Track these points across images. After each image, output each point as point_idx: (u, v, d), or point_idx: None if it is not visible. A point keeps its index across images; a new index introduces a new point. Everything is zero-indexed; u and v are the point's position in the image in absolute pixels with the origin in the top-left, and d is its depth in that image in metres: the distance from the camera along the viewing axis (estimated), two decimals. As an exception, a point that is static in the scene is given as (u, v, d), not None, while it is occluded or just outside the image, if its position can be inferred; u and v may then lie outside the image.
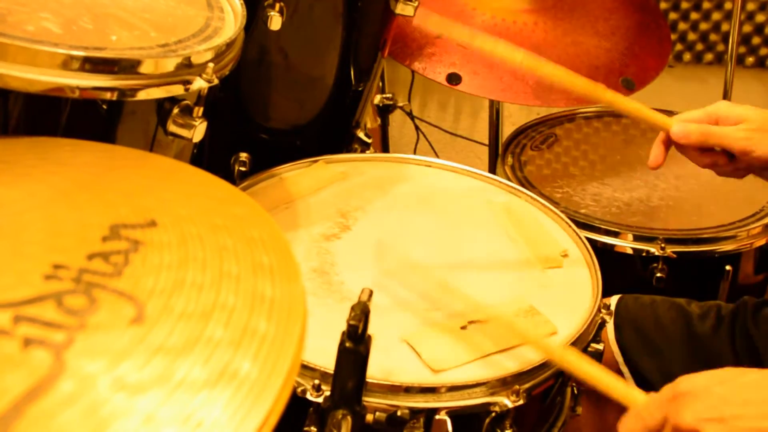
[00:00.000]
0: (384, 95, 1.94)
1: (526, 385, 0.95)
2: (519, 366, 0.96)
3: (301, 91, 1.41)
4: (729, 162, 1.20)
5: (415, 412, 0.91)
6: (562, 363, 0.96)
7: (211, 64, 0.95)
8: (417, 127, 2.41)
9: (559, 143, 1.78)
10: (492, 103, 2.04)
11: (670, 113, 1.89)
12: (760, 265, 1.55)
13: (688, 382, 0.86)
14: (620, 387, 0.91)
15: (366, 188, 1.30)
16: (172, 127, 0.96)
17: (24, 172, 0.77)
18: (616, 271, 1.44)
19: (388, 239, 1.19)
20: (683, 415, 0.82)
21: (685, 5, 2.49)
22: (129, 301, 0.61)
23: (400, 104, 2.04)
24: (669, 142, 1.22)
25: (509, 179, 1.56)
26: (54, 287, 0.60)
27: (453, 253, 1.17)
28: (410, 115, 2.34)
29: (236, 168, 1.34)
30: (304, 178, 1.29)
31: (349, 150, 1.50)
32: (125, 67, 0.88)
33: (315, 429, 0.91)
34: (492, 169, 1.85)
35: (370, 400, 0.91)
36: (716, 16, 2.49)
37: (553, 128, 1.83)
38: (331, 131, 1.50)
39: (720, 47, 2.51)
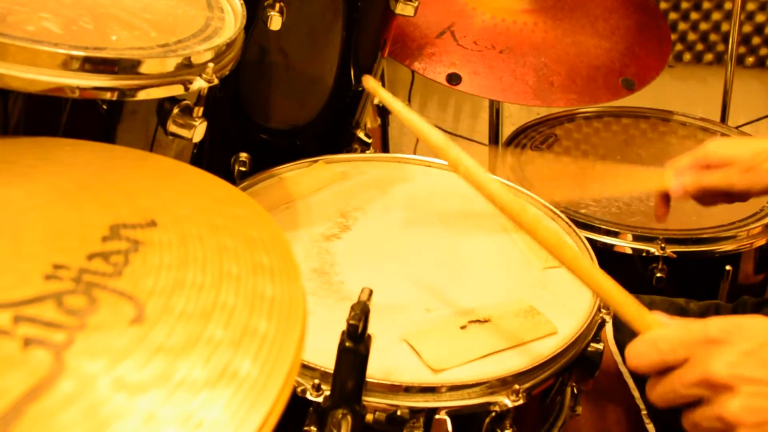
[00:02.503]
0: (384, 96, 1.94)
1: (526, 385, 0.95)
2: (519, 366, 0.96)
3: (301, 91, 1.41)
4: (731, 199, 1.23)
5: (414, 412, 0.91)
6: (572, 266, 0.91)
7: (211, 64, 0.95)
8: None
9: (559, 143, 1.78)
10: (492, 103, 2.04)
11: (669, 113, 1.91)
12: (760, 265, 1.55)
13: (725, 325, 0.78)
14: (633, 306, 0.84)
15: (366, 188, 1.30)
16: (172, 127, 0.96)
17: (24, 172, 0.77)
18: (616, 271, 1.43)
19: (388, 239, 1.19)
20: (715, 364, 0.75)
21: (685, 5, 2.49)
22: (129, 301, 0.61)
23: (400, 104, 2.04)
24: (668, 197, 1.27)
25: (509, 179, 1.56)
26: (54, 287, 0.60)
27: (453, 253, 1.17)
28: (410, 115, 2.34)
29: (236, 168, 1.34)
30: (304, 178, 1.29)
31: (349, 150, 1.50)
32: (125, 67, 0.88)
33: (315, 429, 0.91)
34: (492, 169, 1.85)
35: (370, 399, 0.91)
36: (716, 16, 2.49)
37: (553, 128, 1.83)
38: (331, 131, 1.50)
39: (720, 47, 2.51)
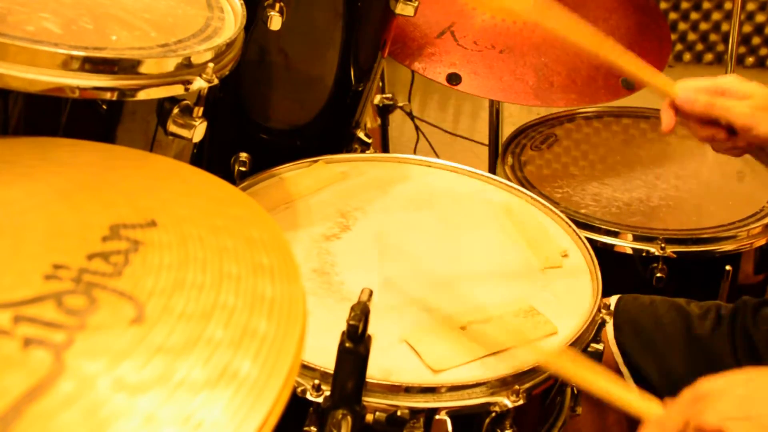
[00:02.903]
0: (384, 95, 1.94)
1: (526, 385, 0.95)
2: (519, 366, 0.96)
3: (301, 91, 1.41)
4: (728, 138, 1.18)
5: (415, 412, 0.91)
6: (569, 376, 0.94)
7: (211, 64, 0.95)
8: (417, 127, 2.41)
9: (559, 143, 1.78)
10: (492, 103, 2.04)
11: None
12: (760, 265, 1.55)
13: (708, 384, 0.85)
14: (633, 397, 0.90)
15: (366, 188, 1.30)
16: (172, 127, 0.96)
17: (24, 172, 0.77)
18: (616, 271, 1.44)
19: (388, 239, 1.19)
20: (706, 415, 0.81)
21: (685, 5, 2.49)
22: (129, 301, 0.61)
23: (400, 104, 2.04)
24: (676, 107, 1.20)
25: (509, 179, 1.56)
26: (54, 287, 0.60)
27: (453, 253, 1.17)
28: (410, 115, 2.34)
29: (236, 168, 1.34)
30: (304, 178, 1.29)
31: (349, 150, 1.50)
32: (125, 67, 0.88)
33: (315, 429, 0.91)
34: (492, 169, 1.86)
35: (370, 400, 0.91)
36: (716, 16, 2.49)
37: (553, 128, 1.83)
38: (331, 131, 1.50)
39: (720, 47, 2.51)
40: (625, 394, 0.90)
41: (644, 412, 0.88)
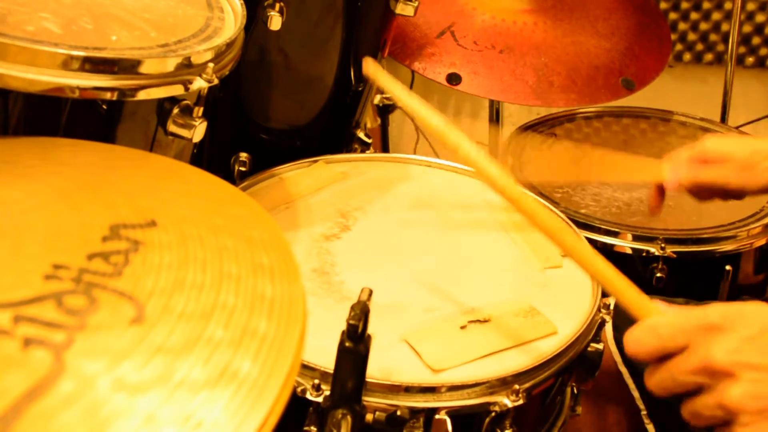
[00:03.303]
0: (384, 95, 1.94)
1: (526, 385, 0.95)
2: (519, 366, 0.96)
3: (301, 91, 1.41)
4: (728, 196, 1.23)
5: (414, 412, 0.91)
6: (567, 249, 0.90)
7: (211, 64, 0.95)
8: (417, 127, 2.41)
9: (559, 143, 1.78)
10: (492, 103, 2.04)
11: (669, 113, 1.91)
12: (760, 265, 1.55)
13: (725, 312, 0.77)
14: (633, 293, 0.83)
15: (366, 188, 1.30)
16: (172, 127, 0.96)
17: (24, 172, 0.77)
18: (616, 271, 1.44)
19: (388, 239, 1.19)
20: (715, 351, 0.74)
21: (685, 5, 2.49)
22: (129, 301, 0.61)
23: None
24: (663, 190, 1.28)
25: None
26: (54, 287, 0.60)
27: (453, 253, 1.17)
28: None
29: (236, 168, 1.34)
30: (304, 178, 1.29)
31: (349, 150, 1.50)
32: (125, 67, 0.88)
33: (315, 429, 0.91)
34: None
35: (369, 399, 0.91)
36: (716, 16, 2.49)
37: (553, 128, 1.83)
38: (331, 131, 1.50)
39: (720, 47, 2.51)
40: (626, 285, 0.85)
41: (641, 310, 0.82)
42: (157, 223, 0.70)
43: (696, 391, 0.78)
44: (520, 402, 0.93)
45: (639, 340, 0.81)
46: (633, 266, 1.47)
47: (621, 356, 1.29)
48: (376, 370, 0.92)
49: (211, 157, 1.29)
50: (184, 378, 0.55)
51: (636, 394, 1.27)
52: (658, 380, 0.81)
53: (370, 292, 0.81)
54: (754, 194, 1.20)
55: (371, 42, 1.45)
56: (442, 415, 0.92)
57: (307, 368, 0.92)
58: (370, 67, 1.14)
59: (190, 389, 0.54)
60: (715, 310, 0.78)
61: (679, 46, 2.53)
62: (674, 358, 0.79)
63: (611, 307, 1.09)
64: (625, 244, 1.48)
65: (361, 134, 1.51)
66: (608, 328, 1.29)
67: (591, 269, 0.89)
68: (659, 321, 0.81)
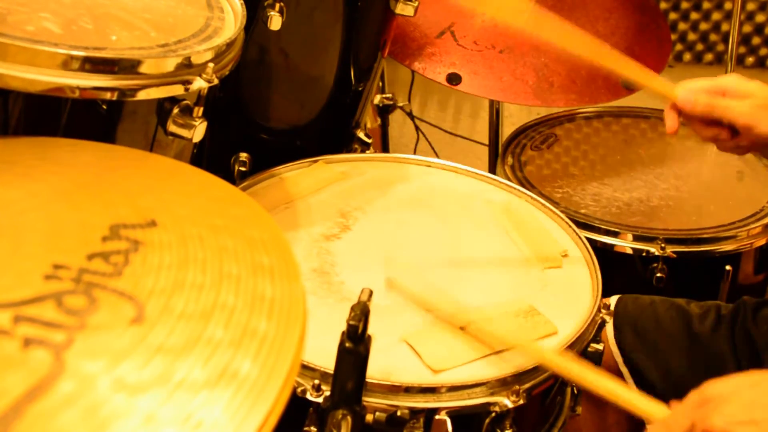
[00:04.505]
0: (384, 95, 1.94)
1: (526, 385, 0.95)
2: (519, 366, 0.96)
3: (301, 91, 1.41)
4: (731, 137, 1.18)
5: (415, 412, 0.91)
6: (572, 377, 0.95)
7: (211, 64, 0.95)
8: (417, 127, 2.41)
9: (559, 143, 1.78)
10: (492, 103, 2.04)
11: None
12: (760, 265, 1.55)
13: (715, 386, 0.85)
14: (639, 400, 0.90)
15: (366, 188, 1.30)
16: (172, 127, 0.96)
17: (24, 172, 0.77)
18: (616, 271, 1.44)
19: (388, 239, 1.19)
20: (713, 418, 0.82)
21: (685, 5, 2.49)
22: (129, 301, 0.61)
23: (400, 104, 2.04)
24: (678, 109, 1.21)
25: (509, 179, 1.56)
26: (54, 287, 0.60)
27: (453, 253, 1.17)
28: (410, 115, 2.34)
29: (236, 168, 1.34)
30: (304, 178, 1.29)
31: (349, 150, 1.50)
32: (125, 67, 0.88)
33: (315, 429, 0.91)
34: (492, 169, 1.86)
35: (370, 400, 0.91)
36: (716, 16, 2.49)
37: (553, 128, 1.83)
38: (331, 131, 1.50)
39: (720, 47, 2.51)
40: (629, 394, 0.91)
41: (649, 414, 0.89)
42: (157, 223, 0.70)
43: None
44: (520, 402, 0.93)
45: None
46: (633, 266, 1.47)
47: (621, 356, 1.29)
48: (376, 370, 0.92)
49: (211, 157, 1.29)
50: (184, 378, 0.55)
51: (636, 394, 1.27)
52: None
53: (370, 293, 0.80)
54: (757, 141, 1.17)
55: (371, 42, 1.45)
56: (442, 416, 0.92)
57: (307, 368, 0.92)
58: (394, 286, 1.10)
59: (190, 389, 0.54)
60: (709, 387, 0.86)
61: (679, 46, 2.52)
62: None
63: (611, 308, 1.09)
64: (625, 244, 1.48)
65: (361, 134, 1.51)
66: (608, 328, 1.29)
67: (592, 387, 0.92)
68: (666, 415, 0.87)
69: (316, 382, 0.90)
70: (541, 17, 1.15)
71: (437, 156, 2.37)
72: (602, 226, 1.49)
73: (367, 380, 0.84)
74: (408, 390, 0.92)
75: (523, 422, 0.99)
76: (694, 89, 1.19)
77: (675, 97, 1.19)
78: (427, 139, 2.46)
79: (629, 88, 1.66)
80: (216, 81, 0.96)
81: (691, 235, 1.49)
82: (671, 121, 1.22)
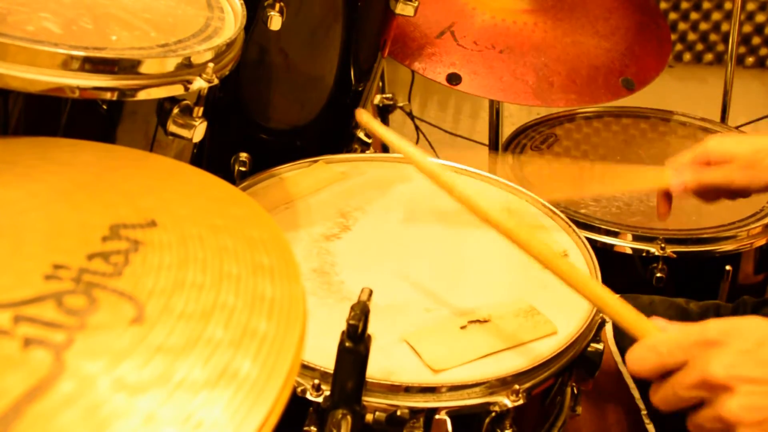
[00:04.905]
0: (384, 95, 1.94)
1: (526, 385, 0.95)
2: (519, 366, 0.96)
3: (301, 91, 1.41)
4: (734, 195, 1.23)
5: (414, 412, 0.91)
6: (571, 281, 0.91)
7: (211, 64, 0.95)
8: (417, 127, 2.41)
9: (559, 143, 1.78)
10: (492, 103, 2.04)
11: (669, 113, 1.91)
12: (760, 265, 1.55)
13: (723, 327, 0.79)
14: (631, 313, 0.85)
15: (366, 188, 1.30)
16: (172, 127, 0.96)
17: (24, 172, 0.77)
18: (616, 271, 1.44)
19: (388, 239, 1.19)
20: (713, 366, 0.76)
21: (685, 5, 2.49)
22: (129, 301, 0.61)
23: (400, 104, 2.04)
24: (669, 195, 1.28)
25: (509, 179, 1.56)
26: (54, 287, 0.60)
27: (453, 253, 1.17)
28: (410, 115, 2.35)
29: (236, 168, 1.34)
30: (304, 178, 1.29)
31: (349, 150, 1.50)
32: (125, 67, 0.88)
33: (315, 429, 0.91)
34: (492, 169, 1.85)
35: (370, 399, 0.91)
36: (716, 16, 2.49)
37: (553, 128, 1.83)
38: (331, 131, 1.50)
39: (720, 47, 2.51)
40: (622, 306, 0.87)
41: (640, 330, 0.84)
42: (157, 223, 0.70)
43: (698, 404, 0.80)
44: (520, 402, 0.93)
45: (640, 359, 0.83)
46: (633, 266, 1.47)
47: (621, 356, 1.29)
48: (376, 370, 0.92)
49: (211, 157, 1.29)
50: (184, 378, 0.55)
51: (636, 394, 1.27)
52: (661, 396, 0.83)
53: (370, 292, 0.80)
54: (760, 191, 1.20)
55: (371, 42, 1.45)
56: (442, 416, 0.92)
57: (307, 368, 0.92)
58: (363, 117, 1.19)
59: (190, 389, 0.54)
60: (713, 326, 0.80)
61: (679, 46, 2.53)
62: (675, 374, 0.81)
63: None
64: (625, 244, 1.48)
65: (361, 134, 1.51)
66: (608, 328, 1.29)
67: (587, 293, 0.91)
68: (658, 339, 0.83)
69: (316, 381, 0.90)
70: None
71: (437, 156, 2.36)
72: (602, 226, 1.49)
73: (367, 380, 0.84)
74: (408, 390, 0.92)
75: (523, 422, 0.99)
76: (680, 167, 1.24)
77: (667, 185, 1.25)
78: (427, 139, 2.46)
79: (629, 88, 1.67)
80: (216, 81, 0.96)
81: (691, 235, 1.49)
82: (663, 207, 1.28)
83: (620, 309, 0.87)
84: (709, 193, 1.24)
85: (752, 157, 1.18)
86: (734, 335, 0.79)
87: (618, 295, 0.89)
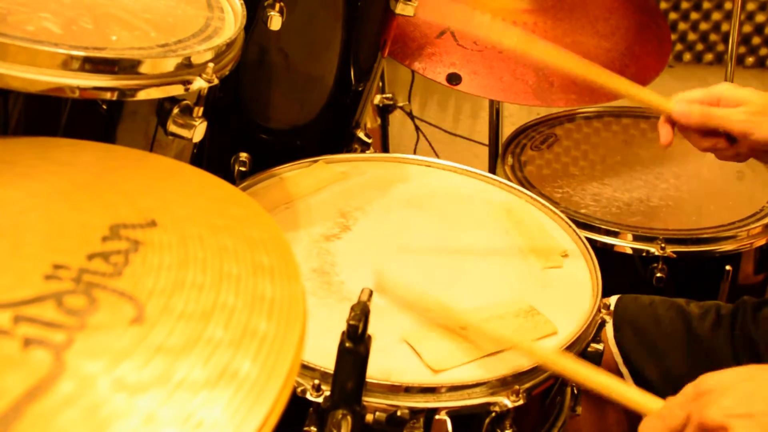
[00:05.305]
0: (384, 95, 1.94)
1: (526, 385, 0.95)
2: (519, 366, 0.96)
3: (301, 91, 1.41)
4: (729, 145, 1.20)
5: (415, 412, 0.91)
6: (569, 375, 0.95)
7: (211, 64, 0.95)
8: (417, 127, 2.41)
9: (559, 143, 1.78)
10: (492, 103, 2.04)
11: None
12: (760, 265, 1.55)
13: (711, 379, 0.85)
14: (634, 393, 0.90)
15: (366, 188, 1.30)
16: (172, 127, 0.96)
17: (24, 172, 0.77)
18: (616, 271, 1.44)
19: (388, 239, 1.19)
20: (709, 411, 0.81)
21: (685, 5, 2.49)
22: (129, 301, 0.61)
23: (400, 104, 2.04)
24: (672, 123, 1.23)
25: (509, 179, 1.56)
26: (54, 287, 0.60)
27: (453, 253, 1.17)
28: (410, 115, 2.35)
29: (236, 168, 1.34)
30: (304, 178, 1.29)
31: (349, 150, 1.50)
32: (125, 67, 0.88)
33: (315, 429, 0.91)
34: (492, 169, 1.86)
35: (370, 400, 0.91)
36: (716, 16, 2.49)
37: (553, 128, 1.83)
38: (331, 131, 1.50)
39: (720, 47, 2.51)
40: (625, 389, 0.91)
41: (645, 407, 0.89)
42: (157, 223, 0.70)
43: None
44: (520, 402, 0.93)
45: (649, 428, 0.87)
46: (633, 266, 1.47)
47: (621, 356, 1.29)
48: (376, 370, 0.92)
49: (211, 157, 1.29)
50: (184, 378, 0.55)
51: (636, 394, 1.27)
52: None
53: (371, 293, 0.80)
54: (756, 148, 1.18)
55: (371, 42, 1.45)
56: (442, 416, 0.92)
57: (307, 368, 0.92)
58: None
59: (190, 389, 0.54)
60: (705, 379, 0.85)
61: (679, 46, 2.53)
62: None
63: (611, 307, 1.09)
64: (625, 244, 1.48)
65: (361, 134, 1.51)
66: (608, 328, 1.29)
67: (589, 383, 0.93)
68: (661, 408, 0.87)
69: (316, 382, 0.90)
70: (530, 38, 1.17)
71: (437, 156, 2.37)
72: (602, 226, 1.49)
73: (367, 380, 0.84)
74: (408, 390, 0.92)
75: (523, 422, 0.99)
76: (688, 100, 1.20)
77: (670, 109, 1.21)
78: (427, 139, 2.46)
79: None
80: (216, 81, 0.96)
81: (691, 235, 1.49)
82: (666, 133, 1.24)
83: (624, 391, 0.91)
84: (708, 137, 1.20)
85: (762, 106, 1.16)
86: (725, 383, 0.84)
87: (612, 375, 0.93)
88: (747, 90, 1.19)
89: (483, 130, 2.38)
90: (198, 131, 0.96)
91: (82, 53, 0.85)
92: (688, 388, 0.86)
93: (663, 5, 2.47)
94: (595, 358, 1.04)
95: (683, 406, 0.84)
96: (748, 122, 1.16)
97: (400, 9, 1.39)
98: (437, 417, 0.92)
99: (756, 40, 2.51)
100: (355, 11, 1.37)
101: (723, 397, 0.82)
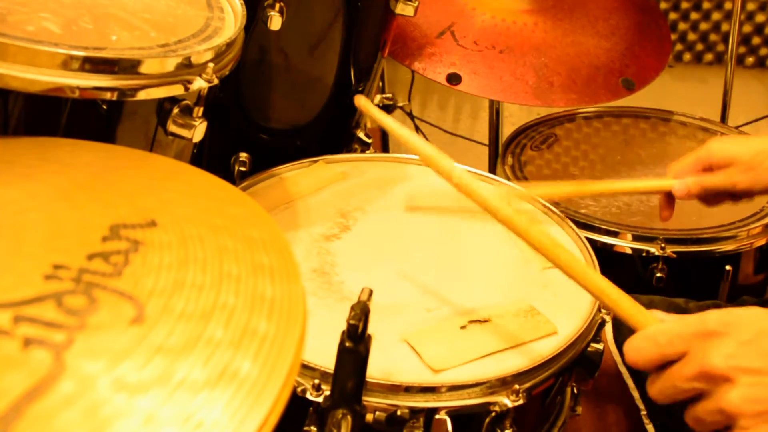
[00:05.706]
0: (384, 95, 1.94)
1: (526, 385, 0.95)
2: (519, 366, 0.96)
3: (301, 91, 1.41)
4: (737, 198, 1.25)
5: (414, 412, 0.91)
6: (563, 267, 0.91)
7: (211, 64, 0.95)
8: (417, 127, 2.42)
9: (559, 143, 1.78)
10: (492, 103, 2.04)
11: (669, 113, 1.91)
12: (760, 265, 1.55)
13: (721, 318, 0.78)
14: (630, 304, 0.84)
15: (366, 188, 1.30)
16: (172, 127, 0.96)
17: (24, 172, 0.77)
18: (616, 271, 1.43)
19: (388, 239, 1.19)
20: (713, 357, 0.75)
21: (685, 5, 2.49)
22: (129, 301, 0.61)
23: (400, 104, 2.04)
24: (672, 199, 1.29)
25: (509, 179, 1.56)
26: (54, 287, 0.60)
27: (453, 253, 1.17)
28: (410, 115, 2.35)
29: (236, 168, 1.34)
30: (304, 178, 1.29)
31: (349, 150, 1.50)
32: (125, 67, 0.88)
33: (315, 429, 0.91)
34: (492, 169, 1.86)
35: (370, 399, 0.91)
36: (716, 16, 2.49)
37: (553, 128, 1.83)
38: (331, 131, 1.50)
39: (720, 47, 2.51)
40: (618, 295, 0.86)
41: (639, 320, 0.83)
42: (157, 223, 0.70)
43: (697, 397, 0.79)
44: (520, 402, 0.93)
45: (638, 349, 0.82)
46: (633, 266, 1.47)
47: (621, 356, 1.29)
48: (376, 370, 0.92)
49: (211, 157, 1.29)
50: (184, 378, 0.55)
51: (636, 394, 1.27)
52: (659, 388, 0.81)
53: (370, 292, 0.81)
54: (763, 193, 1.22)
55: (371, 42, 1.45)
56: (442, 415, 0.92)
57: (307, 368, 0.92)
58: (361, 102, 1.22)
59: (190, 389, 0.54)
60: (713, 317, 0.79)
61: (679, 46, 2.53)
62: (674, 365, 0.80)
63: (611, 307, 1.09)
64: (625, 244, 1.48)
65: (361, 134, 1.51)
66: (608, 328, 1.29)
67: (586, 284, 0.90)
68: (657, 329, 0.81)
69: (316, 381, 0.90)
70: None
71: (437, 156, 2.36)
72: (602, 226, 1.49)
73: (367, 380, 0.84)
74: (408, 389, 0.92)
75: (523, 422, 0.99)
76: (682, 172, 1.25)
77: (670, 188, 1.27)
78: (427, 139, 2.46)
79: (629, 88, 1.67)
80: (216, 81, 0.96)
81: (691, 235, 1.49)
82: (666, 211, 1.31)
83: (619, 299, 0.86)
84: (712, 197, 1.25)
85: (753, 160, 1.19)
86: (734, 326, 0.77)
87: (616, 286, 0.89)
88: (734, 144, 1.24)
89: (483, 130, 2.38)
90: (198, 131, 0.96)
91: (82, 53, 0.85)
92: (694, 321, 0.79)
93: (663, 5, 2.47)
94: (595, 358, 1.04)
95: (684, 339, 0.78)
96: (743, 181, 1.20)
97: (400, 9, 1.39)
98: (437, 416, 0.92)
99: (756, 40, 2.51)
100: (355, 11, 1.37)
101: (733, 344, 0.75)
